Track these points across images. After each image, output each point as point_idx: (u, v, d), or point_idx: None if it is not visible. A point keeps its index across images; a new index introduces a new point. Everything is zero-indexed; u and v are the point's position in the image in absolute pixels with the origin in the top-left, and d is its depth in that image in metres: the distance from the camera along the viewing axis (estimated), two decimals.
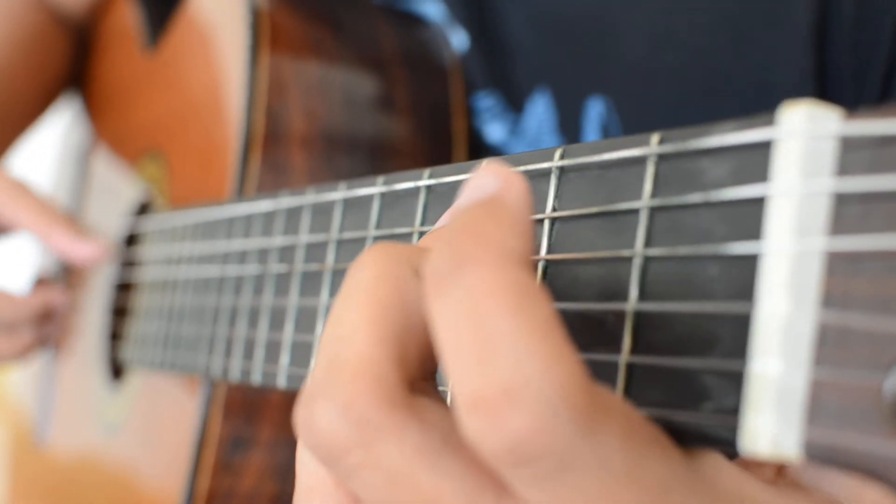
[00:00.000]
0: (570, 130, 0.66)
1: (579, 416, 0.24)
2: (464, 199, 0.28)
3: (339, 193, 0.47)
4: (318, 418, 0.27)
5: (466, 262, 0.24)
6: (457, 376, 0.24)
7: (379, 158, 0.69)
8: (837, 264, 0.25)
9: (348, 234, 0.45)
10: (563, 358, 0.24)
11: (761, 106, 0.64)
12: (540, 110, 0.68)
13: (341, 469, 0.27)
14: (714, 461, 0.28)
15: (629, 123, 0.63)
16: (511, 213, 0.26)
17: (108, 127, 0.97)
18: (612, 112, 0.63)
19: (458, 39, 0.72)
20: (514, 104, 0.69)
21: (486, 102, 0.71)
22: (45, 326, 0.89)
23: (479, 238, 0.25)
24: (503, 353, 0.24)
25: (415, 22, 0.74)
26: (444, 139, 0.71)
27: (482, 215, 0.26)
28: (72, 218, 0.84)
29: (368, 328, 0.28)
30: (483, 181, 0.27)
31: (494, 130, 0.71)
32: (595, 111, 0.64)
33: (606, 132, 0.64)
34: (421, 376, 0.29)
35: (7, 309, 0.85)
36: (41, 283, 0.95)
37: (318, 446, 0.27)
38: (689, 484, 0.26)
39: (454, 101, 0.72)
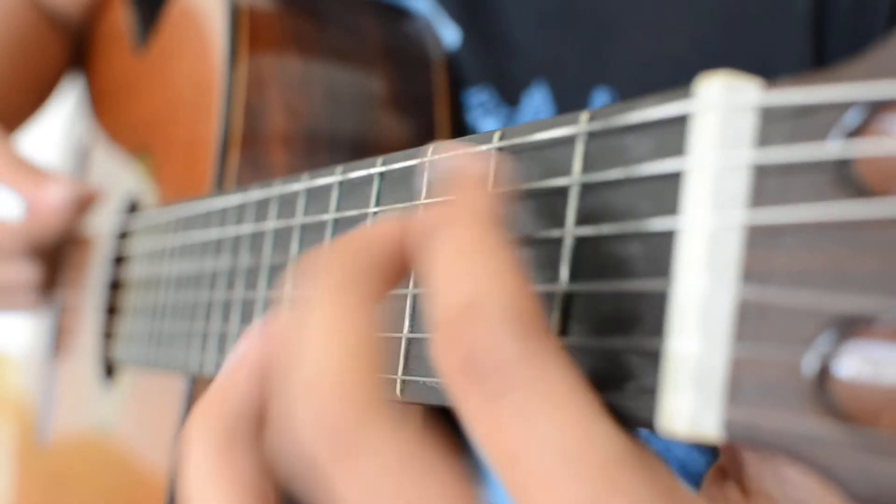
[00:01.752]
0: None
1: (528, 334, 0.25)
2: (444, 179, 0.31)
3: (301, 184, 0.47)
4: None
5: (450, 219, 0.28)
6: (436, 301, 0.27)
7: (361, 153, 0.69)
8: (757, 238, 0.25)
9: (310, 220, 0.45)
10: (522, 285, 0.26)
11: None
12: (537, 103, 0.67)
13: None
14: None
15: None
16: (477, 182, 0.29)
17: (104, 126, 0.98)
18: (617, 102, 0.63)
19: (450, 35, 0.72)
20: (509, 98, 0.69)
21: (480, 98, 0.70)
22: (42, 262, 0.83)
23: (458, 202, 0.29)
24: (470, 276, 0.26)
25: (399, 14, 0.74)
26: (428, 132, 0.71)
27: (459, 188, 0.29)
28: (38, 167, 0.80)
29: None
30: (454, 163, 0.31)
31: (488, 125, 0.70)
32: (600, 102, 0.63)
33: None
34: None
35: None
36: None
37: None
38: (636, 459, 0.25)
39: (438, 94, 0.71)
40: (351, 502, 0.26)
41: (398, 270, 0.30)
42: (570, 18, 0.65)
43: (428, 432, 0.27)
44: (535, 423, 0.24)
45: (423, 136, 0.70)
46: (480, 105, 0.70)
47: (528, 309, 0.25)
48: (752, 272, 0.25)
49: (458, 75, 0.71)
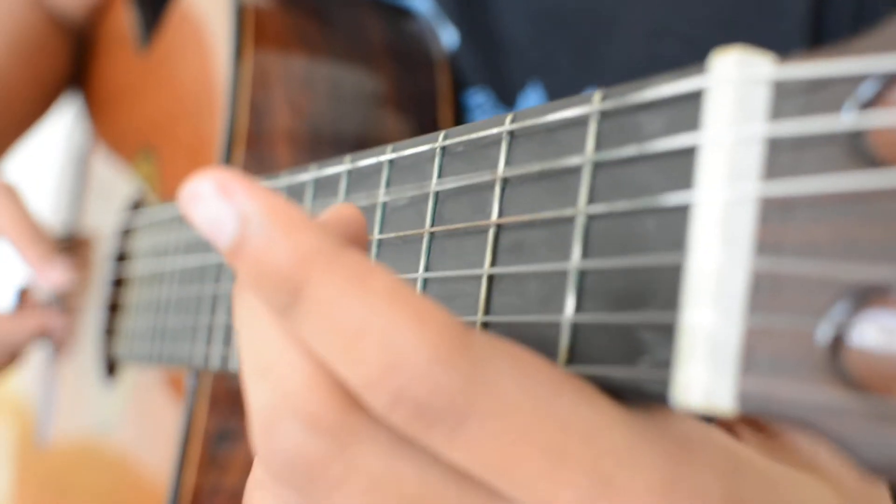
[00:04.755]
0: None
1: (461, 364, 0.24)
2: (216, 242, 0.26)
3: (309, 174, 0.47)
4: (283, 440, 0.26)
5: (298, 286, 0.25)
6: (347, 374, 0.25)
7: None
8: (770, 211, 0.25)
9: (319, 211, 0.45)
10: (424, 319, 0.24)
11: None
12: (532, 104, 0.67)
13: (321, 489, 0.26)
14: (671, 415, 0.27)
15: None
16: (279, 225, 0.25)
17: (106, 127, 0.98)
18: None
19: (448, 36, 0.72)
20: (506, 99, 0.69)
21: (478, 99, 0.71)
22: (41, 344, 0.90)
23: (286, 265, 0.25)
24: (369, 337, 0.24)
25: (402, 14, 0.74)
26: (431, 130, 0.71)
27: (256, 247, 0.25)
28: (48, 238, 0.86)
29: (298, 351, 0.27)
30: (217, 216, 0.26)
31: None
32: None
33: None
34: None
35: (8, 332, 0.86)
36: (26, 294, 0.96)
37: (291, 470, 0.26)
38: (624, 428, 0.25)
39: (441, 94, 0.72)
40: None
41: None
42: (562, 19, 0.65)
43: None
44: (508, 434, 0.24)
45: (426, 134, 0.71)
46: (479, 106, 0.71)
47: (445, 337, 0.24)
48: (766, 244, 0.25)
49: (456, 76, 0.72)
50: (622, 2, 0.62)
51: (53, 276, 0.85)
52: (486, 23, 0.70)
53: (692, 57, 0.60)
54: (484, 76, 0.70)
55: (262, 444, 0.27)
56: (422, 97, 0.71)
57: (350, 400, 0.26)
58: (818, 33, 0.55)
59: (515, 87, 0.68)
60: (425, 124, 0.71)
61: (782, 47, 0.56)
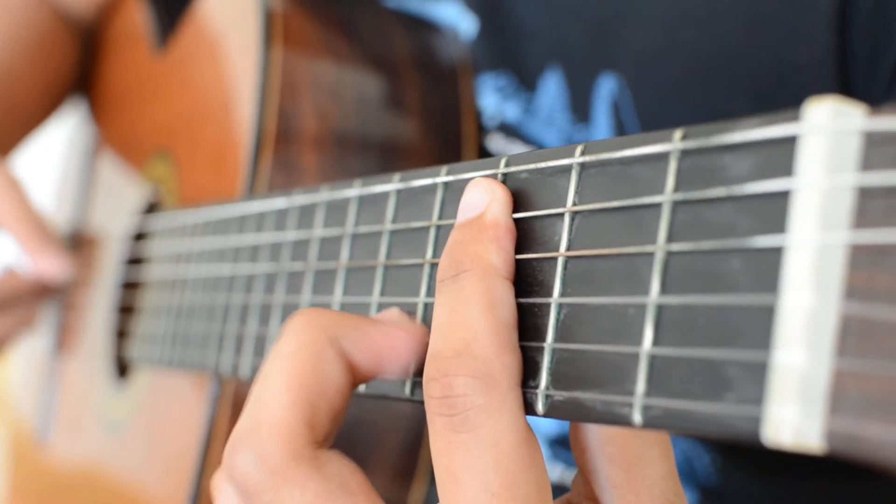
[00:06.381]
0: (581, 108, 0.66)
1: (494, 391, 0.33)
2: (460, 217, 0.37)
3: (354, 190, 0.47)
4: (239, 462, 0.36)
5: (460, 271, 0.35)
6: (432, 338, 0.35)
7: (389, 159, 0.69)
8: (861, 257, 0.26)
9: (363, 229, 0.46)
10: (507, 349, 0.34)
11: (778, 85, 0.64)
12: (552, 88, 0.67)
13: (253, 502, 0.36)
14: None
15: (642, 101, 0.63)
16: (492, 234, 0.35)
17: (116, 128, 0.98)
18: (624, 89, 0.63)
19: (468, 24, 0.73)
20: (527, 83, 0.69)
21: (498, 82, 0.71)
22: (23, 308, 0.88)
23: (469, 255, 0.35)
24: (464, 331, 0.34)
25: (425, 25, 0.75)
26: (454, 141, 0.71)
27: (471, 236, 0.36)
28: (47, 228, 0.85)
29: (285, 394, 0.36)
30: (473, 199, 0.36)
31: (508, 109, 0.71)
32: (606, 88, 0.64)
33: (617, 109, 0.64)
34: (331, 433, 0.37)
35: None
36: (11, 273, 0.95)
37: (237, 483, 0.36)
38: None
39: (464, 104, 0.72)
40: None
41: None
42: (579, 4, 0.66)
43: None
44: (479, 459, 0.32)
45: (450, 145, 0.71)
46: (499, 90, 0.71)
47: (503, 367, 0.33)
48: (856, 290, 0.26)
49: (476, 60, 0.72)
50: None
51: (48, 264, 0.83)
52: (506, 8, 0.70)
53: (717, 48, 0.61)
54: (505, 61, 0.70)
55: (226, 455, 0.37)
56: (445, 107, 0.71)
57: (297, 454, 0.35)
58: (844, 27, 0.55)
59: (535, 71, 0.68)
60: (448, 134, 0.71)
61: (807, 39, 0.57)
